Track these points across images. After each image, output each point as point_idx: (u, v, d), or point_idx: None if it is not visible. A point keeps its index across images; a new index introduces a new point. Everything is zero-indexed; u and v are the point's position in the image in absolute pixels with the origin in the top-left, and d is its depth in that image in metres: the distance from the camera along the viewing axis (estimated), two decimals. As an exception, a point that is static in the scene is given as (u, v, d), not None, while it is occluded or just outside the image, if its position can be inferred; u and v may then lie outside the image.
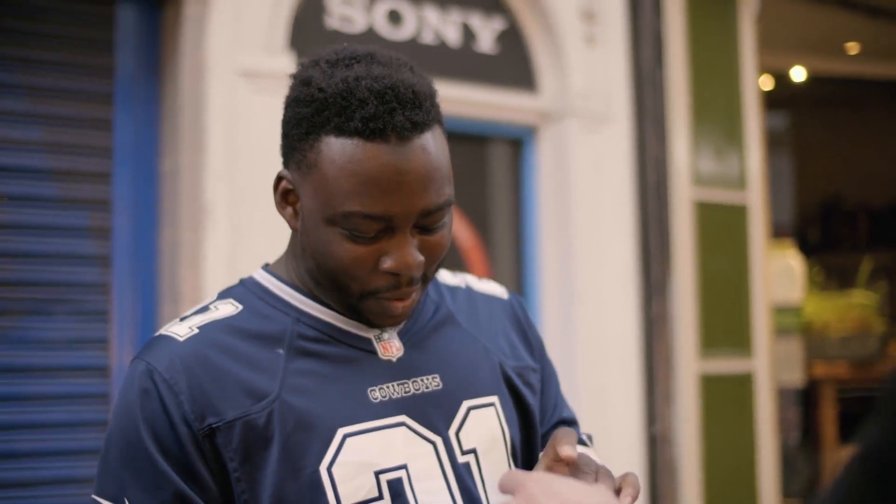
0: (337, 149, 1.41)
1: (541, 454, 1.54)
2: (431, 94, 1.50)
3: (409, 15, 4.40)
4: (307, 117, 1.43)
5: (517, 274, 4.65)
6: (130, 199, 3.85)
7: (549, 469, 1.46)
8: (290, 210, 1.53)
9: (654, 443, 4.66)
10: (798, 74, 6.75)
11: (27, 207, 3.69)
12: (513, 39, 4.64)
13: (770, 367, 5.10)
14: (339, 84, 1.43)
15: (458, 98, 4.37)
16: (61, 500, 3.62)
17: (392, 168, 1.39)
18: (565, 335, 4.53)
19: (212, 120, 3.83)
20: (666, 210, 4.78)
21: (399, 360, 1.56)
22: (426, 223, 1.46)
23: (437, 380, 1.57)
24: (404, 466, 1.49)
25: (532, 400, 1.69)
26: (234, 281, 1.64)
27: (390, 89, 1.42)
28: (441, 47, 4.47)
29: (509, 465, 1.61)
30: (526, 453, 1.68)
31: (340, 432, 1.46)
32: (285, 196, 1.53)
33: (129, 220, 3.85)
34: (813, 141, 8.70)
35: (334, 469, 1.44)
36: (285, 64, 4.01)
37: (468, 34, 4.54)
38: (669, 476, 4.67)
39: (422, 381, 1.56)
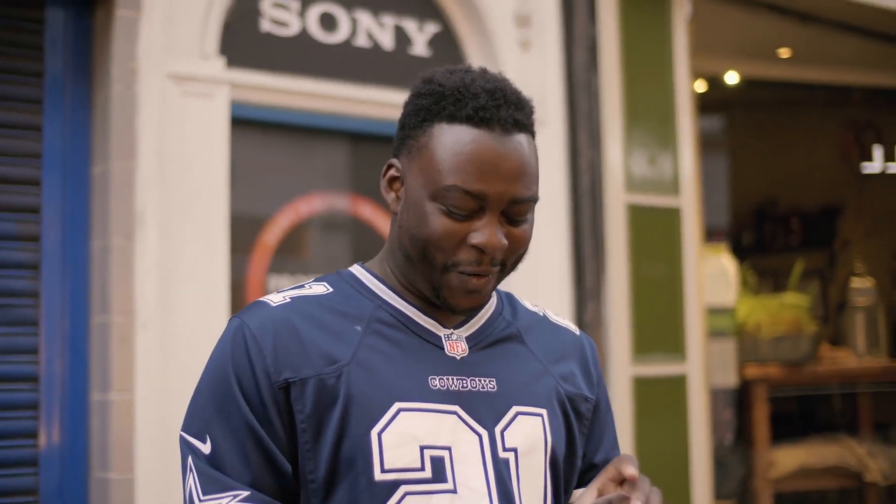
0: (447, 133, 1.64)
1: (600, 474, 1.65)
2: (532, 107, 1.72)
3: (342, 19, 4.39)
4: (425, 107, 1.67)
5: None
6: (60, 206, 3.80)
7: (602, 487, 1.62)
8: (392, 195, 1.72)
9: (589, 446, 4.67)
10: (732, 78, 6.81)
11: (-46, 214, 3.64)
12: (447, 43, 4.64)
13: (703, 369, 5.13)
14: (457, 81, 1.67)
15: (392, 102, 4.36)
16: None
17: (493, 152, 1.62)
18: (500, 339, 4.53)
19: (143, 125, 3.79)
20: (600, 214, 4.80)
21: (462, 359, 1.72)
22: (513, 213, 1.66)
23: (493, 383, 1.72)
24: (449, 448, 1.64)
25: (577, 427, 1.82)
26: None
27: (500, 90, 1.67)
28: (375, 51, 4.47)
29: (545, 473, 1.73)
30: (568, 471, 1.80)
31: (396, 405, 1.62)
32: (391, 183, 1.73)
33: (59, 226, 3.80)
34: (747, 144, 8.78)
35: (384, 435, 1.60)
36: (218, 68, 3.98)
37: (402, 38, 4.54)
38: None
39: (479, 381, 1.71)
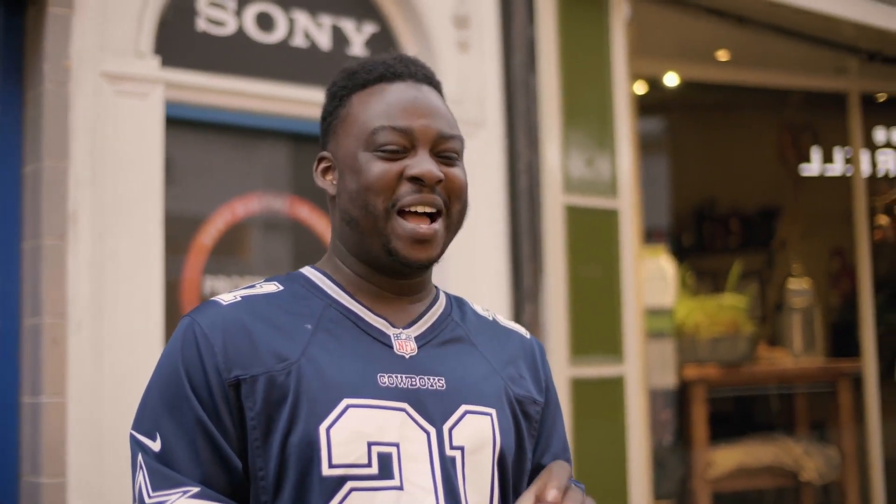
0: (363, 96, 1.75)
1: (536, 479, 1.66)
2: (438, 79, 1.85)
3: (279, 18, 4.37)
4: (339, 87, 1.79)
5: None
6: (-10, 206, 3.75)
7: (539, 493, 1.61)
8: (328, 181, 1.80)
9: (527, 447, 4.67)
10: (671, 80, 6.84)
11: None
12: (385, 44, 4.62)
13: (641, 370, 5.16)
14: (362, 59, 1.82)
15: (329, 103, 4.33)
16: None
17: (410, 94, 1.74)
18: (438, 341, 4.52)
19: (76, 124, 3.75)
20: (538, 216, 4.80)
21: (412, 357, 1.74)
22: (443, 150, 1.74)
23: (443, 382, 1.74)
24: (397, 445, 1.66)
25: (526, 428, 1.84)
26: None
27: (407, 58, 1.81)
28: (312, 51, 4.44)
29: (492, 472, 1.75)
30: (517, 473, 1.82)
31: (345, 402, 1.65)
32: (325, 173, 1.81)
33: (-11, 226, 3.75)
34: (688, 146, 8.83)
35: (332, 431, 1.62)
36: (152, 67, 3.94)
37: (340, 38, 4.52)
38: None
39: (428, 379, 1.73)
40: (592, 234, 5.03)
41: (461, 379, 1.77)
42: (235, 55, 4.26)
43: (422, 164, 1.70)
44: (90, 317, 3.71)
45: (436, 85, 1.82)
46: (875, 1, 6.02)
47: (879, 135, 8.16)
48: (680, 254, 7.87)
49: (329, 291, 1.79)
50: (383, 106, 1.73)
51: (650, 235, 7.29)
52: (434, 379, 1.74)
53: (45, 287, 3.65)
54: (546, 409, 1.91)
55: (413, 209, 1.71)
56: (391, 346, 1.74)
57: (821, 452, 6.67)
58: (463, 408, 1.74)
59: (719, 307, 6.54)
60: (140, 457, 1.65)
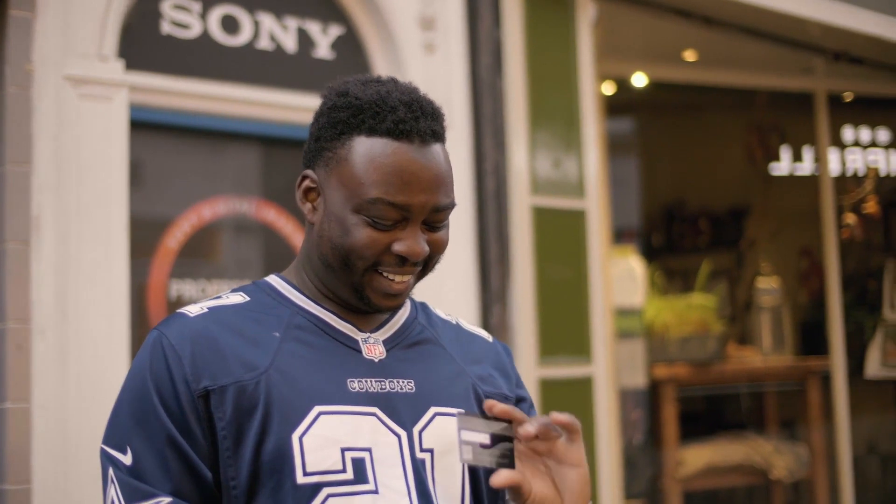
0: (367, 145, 1.69)
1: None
2: (444, 115, 1.78)
3: (244, 21, 4.35)
4: (343, 120, 1.72)
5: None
6: (-48, 211, 3.72)
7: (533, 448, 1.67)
8: (309, 206, 1.77)
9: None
10: (639, 81, 6.86)
11: None
12: (351, 46, 4.62)
13: (610, 370, 5.17)
14: (373, 94, 1.72)
15: (295, 105, 4.33)
16: None
17: (414, 165, 1.67)
18: (407, 343, 4.51)
19: (39, 128, 3.72)
20: (505, 217, 4.81)
21: (381, 361, 1.76)
22: (434, 220, 1.73)
23: (412, 384, 1.76)
24: (369, 449, 1.67)
25: None
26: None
27: (416, 102, 1.73)
28: (278, 53, 4.43)
29: (462, 473, 1.77)
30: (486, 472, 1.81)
31: (316, 409, 1.66)
32: (307, 193, 1.77)
33: (-49, 231, 3.71)
34: (657, 146, 8.86)
35: (305, 439, 1.64)
36: (116, 70, 3.92)
37: (305, 41, 4.51)
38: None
39: (397, 382, 1.75)
40: (560, 235, 5.03)
41: (430, 381, 1.79)
42: (200, 58, 4.24)
43: (410, 242, 1.70)
44: (54, 322, 3.68)
45: (442, 137, 1.76)
46: (840, 1, 6.06)
47: (848, 134, 8.21)
48: (650, 254, 7.91)
49: (295, 300, 1.80)
50: (384, 174, 1.67)
51: (620, 236, 7.32)
52: (403, 382, 1.76)
53: (9, 292, 3.62)
54: (521, 404, 1.93)
55: (391, 275, 1.73)
56: (360, 351, 1.76)
57: (790, 450, 6.71)
58: (432, 410, 1.76)
59: (688, 306, 6.57)
60: (111, 471, 1.66)
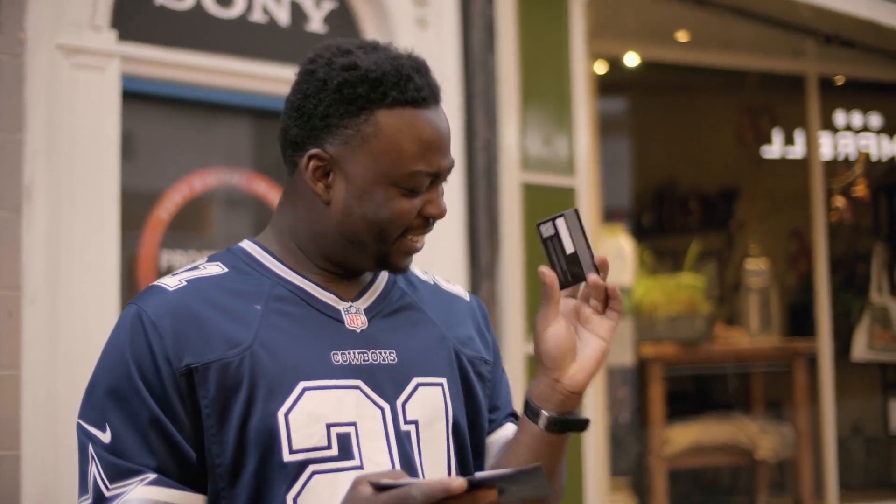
0: (395, 118, 1.67)
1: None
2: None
3: (238, -6, 4.36)
4: (362, 95, 1.67)
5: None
6: (-56, 178, 3.73)
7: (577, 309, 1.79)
8: (321, 185, 1.72)
9: (483, 423, 4.70)
10: (632, 60, 6.86)
11: None
12: (344, 20, 4.62)
13: (597, 347, 5.17)
14: (385, 64, 1.69)
15: (288, 78, 4.27)
16: None
17: (438, 129, 1.71)
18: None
19: (31, 97, 3.73)
20: (495, 194, 4.83)
21: (363, 331, 1.75)
22: (446, 178, 1.76)
23: (394, 355, 1.75)
24: (354, 424, 1.67)
25: (480, 389, 1.87)
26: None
27: (422, 65, 1.73)
28: (271, 26, 4.44)
29: (447, 443, 1.77)
30: (473, 436, 1.85)
31: (301, 385, 1.65)
32: (316, 173, 1.72)
33: (-57, 199, 3.73)
34: (649, 126, 8.86)
35: (291, 416, 1.62)
36: (109, 41, 3.93)
37: (299, 14, 4.51)
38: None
39: (380, 353, 1.74)
40: (550, 212, 5.01)
41: (412, 349, 1.78)
42: (193, 30, 4.25)
43: (437, 203, 1.74)
44: (45, 290, 3.70)
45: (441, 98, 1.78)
46: (832, -17, 6.07)
47: (839, 118, 8.22)
48: (640, 233, 7.92)
49: (275, 269, 1.77)
50: (420, 146, 1.68)
51: (611, 215, 7.33)
52: (385, 353, 1.74)
53: (0, 259, 3.64)
54: (495, 368, 1.95)
55: (415, 237, 1.76)
56: (342, 321, 1.75)
57: (776, 430, 6.74)
58: (415, 380, 1.76)
59: (677, 286, 6.59)
60: (91, 448, 1.63)
